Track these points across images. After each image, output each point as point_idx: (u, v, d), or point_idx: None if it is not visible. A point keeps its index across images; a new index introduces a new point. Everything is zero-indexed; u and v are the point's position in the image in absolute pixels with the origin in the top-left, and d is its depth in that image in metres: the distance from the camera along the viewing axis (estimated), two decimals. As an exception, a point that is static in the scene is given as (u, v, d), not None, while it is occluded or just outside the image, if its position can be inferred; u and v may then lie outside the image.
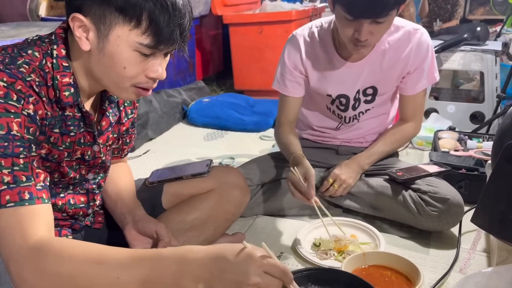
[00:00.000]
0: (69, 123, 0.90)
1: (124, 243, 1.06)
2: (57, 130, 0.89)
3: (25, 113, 0.78)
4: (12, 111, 0.77)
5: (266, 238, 1.43)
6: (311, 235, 1.41)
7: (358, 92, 1.47)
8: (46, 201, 0.78)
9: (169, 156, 2.12)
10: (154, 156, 2.16)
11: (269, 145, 2.24)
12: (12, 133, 0.76)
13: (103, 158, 1.02)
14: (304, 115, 1.63)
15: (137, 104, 1.12)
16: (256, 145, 2.31)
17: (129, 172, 1.22)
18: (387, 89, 1.48)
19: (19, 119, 0.77)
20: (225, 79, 3.73)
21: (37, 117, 0.82)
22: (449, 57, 2.34)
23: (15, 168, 0.75)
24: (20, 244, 0.72)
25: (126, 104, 1.06)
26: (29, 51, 0.83)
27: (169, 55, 0.88)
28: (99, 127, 0.98)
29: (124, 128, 1.07)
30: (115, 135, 1.05)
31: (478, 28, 2.35)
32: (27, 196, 0.75)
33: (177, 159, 2.07)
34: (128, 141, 1.14)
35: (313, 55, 1.46)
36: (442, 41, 2.35)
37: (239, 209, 1.29)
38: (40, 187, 0.78)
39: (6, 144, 0.75)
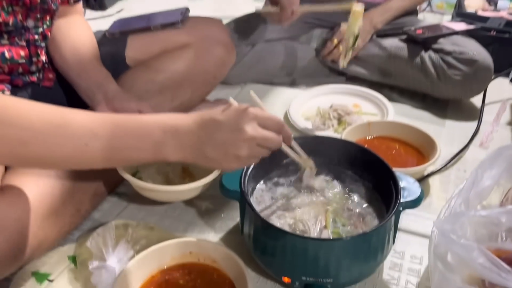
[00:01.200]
0: None
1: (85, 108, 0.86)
2: None
3: None
4: None
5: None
6: (307, 105, 1.21)
7: None
8: None
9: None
10: (129, 15, 1.87)
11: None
12: None
13: None
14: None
15: None
16: (248, 5, 2.01)
17: (90, 32, 0.96)
18: None
19: None
20: None
21: None
22: None
23: None
24: None
25: None
26: None
27: None
28: None
29: None
30: None
31: None
32: None
33: (157, 20, 1.80)
34: None
35: None
36: None
37: (222, 70, 1.07)
38: None
39: None
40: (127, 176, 0.79)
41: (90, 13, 1.92)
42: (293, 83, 1.34)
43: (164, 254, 0.69)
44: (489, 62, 1.11)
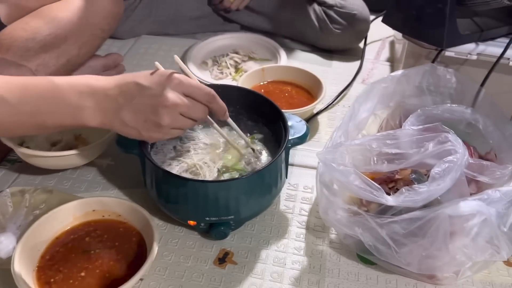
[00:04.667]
0: None
1: None
2: None
3: None
4: None
5: (151, 60, 1.19)
6: (203, 52, 1.22)
7: None
8: None
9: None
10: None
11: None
12: None
13: None
14: None
15: None
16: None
17: None
18: None
19: None
20: None
21: None
22: None
23: None
24: None
25: None
26: None
27: None
28: None
29: None
30: None
31: None
32: None
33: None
34: None
35: None
36: None
37: (110, 23, 1.02)
38: None
39: None
40: (12, 145, 0.76)
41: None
42: (187, 34, 1.32)
43: (66, 215, 0.69)
44: (366, 14, 1.19)
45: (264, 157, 0.76)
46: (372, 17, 1.26)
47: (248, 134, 0.79)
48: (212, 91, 0.62)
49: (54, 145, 0.83)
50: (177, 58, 0.64)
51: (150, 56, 1.23)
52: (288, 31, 1.29)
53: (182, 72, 0.66)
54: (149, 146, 0.74)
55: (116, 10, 1.02)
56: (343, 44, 1.24)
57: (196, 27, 1.32)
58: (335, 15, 1.19)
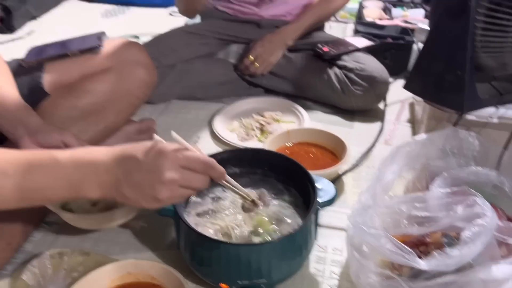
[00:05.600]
0: None
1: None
2: None
3: None
4: None
5: (181, 124, 1.27)
6: (230, 117, 1.28)
7: None
8: None
9: (58, 38, 1.78)
10: (40, 38, 1.78)
11: (180, 23, 1.97)
12: None
13: None
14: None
15: None
16: (165, 23, 2.02)
17: (2, 63, 0.93)
18: None
19: None
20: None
21: None
22: None
23: None
24: None
25: None
26: None
27: None
28: None
29: None
30: None
31: None
32: None
33: (70, 41, 1.75)
34: None
35: None
36: None
37: (145, 91, 1.09)
38: None
39: None
40: (56, 210, 0.80)
41: (-2, 37, 1.84)
42: (215, 98, 1.39)
43: (103, 278, 0.71)
44: (386, 77, 1.24)
45: (293, 218, 0.78)
46: (391, 79, 1.31)
47: (274, 196, 0.82)
48: (210, 160, 0.62)
49: (94, 205, 0.87)
50: (174, 134, 0.63)
51: (180, 120, 1.29)
52: (311, 94, 1.34)
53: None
54: (184, 206, 0.77)
55: (150, 79, 1.09)
56: (365, 104, 1.28)
57: (223, 91, 1.39)
58: (355, 78, 1.25)
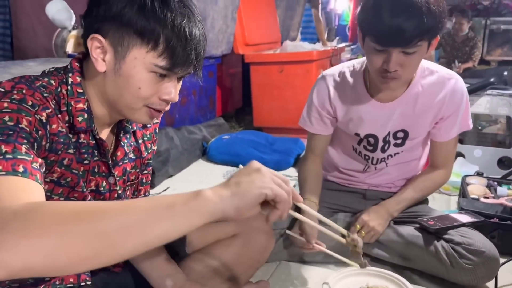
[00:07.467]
0: (83, 150, 0.89)
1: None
2: (71, 151, 0.86)
3: (37, 117, 0.76)
4: (25, 110, 0.74)
5: (291, 287, 1.37)
6: (339, 285, 1.35)
7: (388, 134, 1.44)
8: (39, 182, 0.70)
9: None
10: (174, 193, 2.11)
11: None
12: (20, 125, 0.73)
13: (119, 192, 0.98)
14: (330, 155, 1.60)
15: (156, 138, 1.10)
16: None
17: None
18: (419, 133, 1.44)
19: (30, 118, 0.74)
20: (244, 116, 3.74)
21: (48, 128, 0.79)
22: (475, 101, 2.30)
23: (16, 154, 0.69)
24: (5, 207, 0.61)
25: (145, 138, 1.05)
26: (45, 79, 0.84)
27: (181, 80, 0.89)
28: (114, 158, 0.96)
29: (145, 162, 1.05)
30: (137, 170, 1.03)
31: (505, 72, 2.32)
32: (21, 169, 0.68)
33: (197, 197, 2.02)
34: (144, 181, 1.11)
35: (343, 95, 1.45)
36: (468, 85, 2.32)
37: (264, 255, 1.24)
38: (36, 167, 0.71)
39: (11, 132, 0.71)
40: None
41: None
42: (322, 262, 1.48)
43: None
44: (495, 253, 1.26)
45: None
46: (501, 260, 1.30)
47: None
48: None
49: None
50: (291, 211, 0.76)
51: (289, 282, 1.39)
52: (418, 265, 1.38)
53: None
54: None
55: (270, 244, 1.25)
56: (474, 279, 1.28)
57: (328, 256, 1.49)
58: (463, 251, 1.27)
